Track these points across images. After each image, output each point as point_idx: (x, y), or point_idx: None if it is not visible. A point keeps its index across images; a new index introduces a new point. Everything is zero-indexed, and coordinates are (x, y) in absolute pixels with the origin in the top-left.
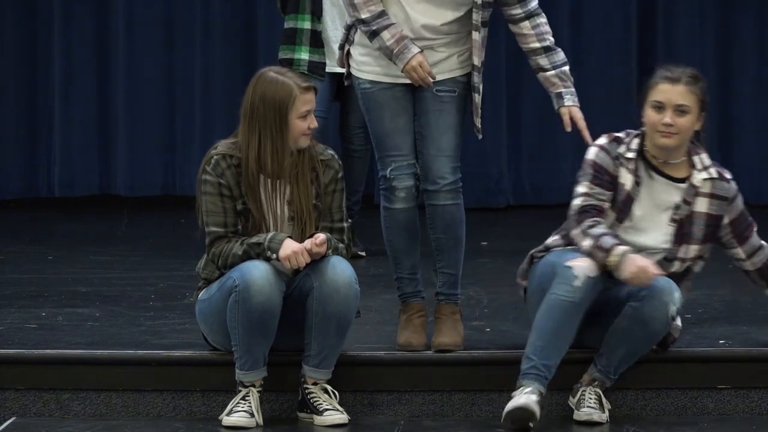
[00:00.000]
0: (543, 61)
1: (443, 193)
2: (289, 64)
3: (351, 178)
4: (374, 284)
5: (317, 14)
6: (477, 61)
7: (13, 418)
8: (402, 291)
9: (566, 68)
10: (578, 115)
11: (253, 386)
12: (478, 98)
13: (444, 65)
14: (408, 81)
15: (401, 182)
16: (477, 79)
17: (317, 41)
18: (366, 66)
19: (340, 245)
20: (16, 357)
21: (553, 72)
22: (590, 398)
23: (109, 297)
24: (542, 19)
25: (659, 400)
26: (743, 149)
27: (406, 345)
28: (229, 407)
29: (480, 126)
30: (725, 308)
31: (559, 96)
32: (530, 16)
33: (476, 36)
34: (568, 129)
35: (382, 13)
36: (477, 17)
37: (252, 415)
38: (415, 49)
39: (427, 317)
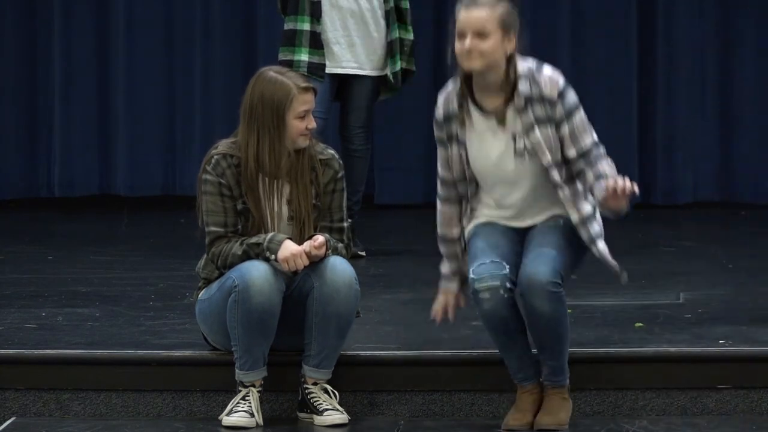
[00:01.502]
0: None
1: (539, 294)
2: (289, 65)
3: (351, 178)
4: (374, 284)
5: (316, 16)
6: (576, 217)
7: (13, 418)
8: (514, 375)
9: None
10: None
11: (253, 386)
12: (595, 249)
13: (539, 217)
14: (518, 226)
15: (483, 282)
16: (585, 232)
17: (317, 42)
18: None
19: (340, 245)
20: (16, 357)
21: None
22: None
23: (109, 297)
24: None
25: (659, 400)
26: (743, 149)
27: (507, 427)
28: (229, 407)
29: (621, 271)
30: (725, 308)
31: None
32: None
33: (562, 194)
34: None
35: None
36: (555, 176)
37: (252, 415)
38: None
39: (540, 396)
